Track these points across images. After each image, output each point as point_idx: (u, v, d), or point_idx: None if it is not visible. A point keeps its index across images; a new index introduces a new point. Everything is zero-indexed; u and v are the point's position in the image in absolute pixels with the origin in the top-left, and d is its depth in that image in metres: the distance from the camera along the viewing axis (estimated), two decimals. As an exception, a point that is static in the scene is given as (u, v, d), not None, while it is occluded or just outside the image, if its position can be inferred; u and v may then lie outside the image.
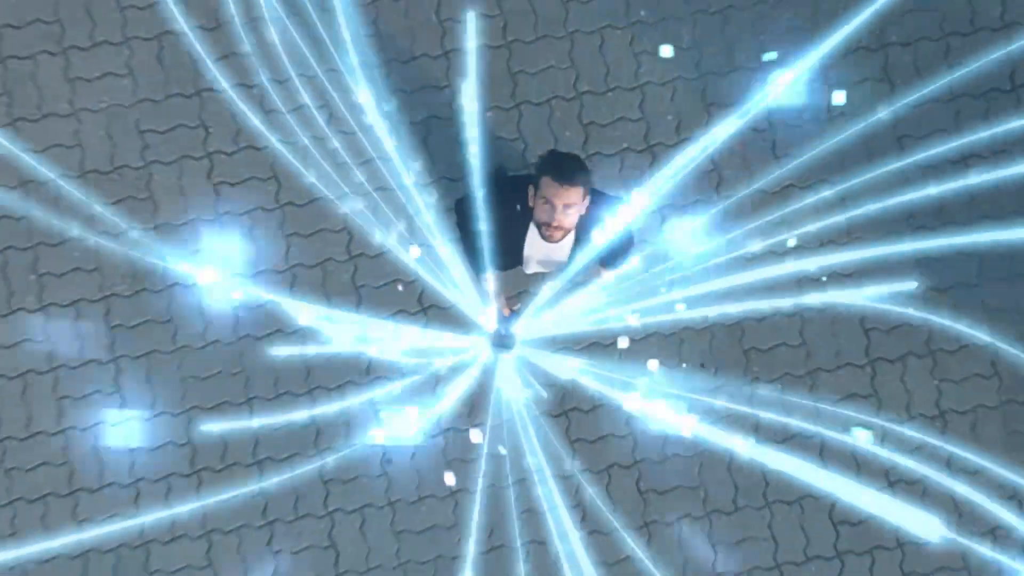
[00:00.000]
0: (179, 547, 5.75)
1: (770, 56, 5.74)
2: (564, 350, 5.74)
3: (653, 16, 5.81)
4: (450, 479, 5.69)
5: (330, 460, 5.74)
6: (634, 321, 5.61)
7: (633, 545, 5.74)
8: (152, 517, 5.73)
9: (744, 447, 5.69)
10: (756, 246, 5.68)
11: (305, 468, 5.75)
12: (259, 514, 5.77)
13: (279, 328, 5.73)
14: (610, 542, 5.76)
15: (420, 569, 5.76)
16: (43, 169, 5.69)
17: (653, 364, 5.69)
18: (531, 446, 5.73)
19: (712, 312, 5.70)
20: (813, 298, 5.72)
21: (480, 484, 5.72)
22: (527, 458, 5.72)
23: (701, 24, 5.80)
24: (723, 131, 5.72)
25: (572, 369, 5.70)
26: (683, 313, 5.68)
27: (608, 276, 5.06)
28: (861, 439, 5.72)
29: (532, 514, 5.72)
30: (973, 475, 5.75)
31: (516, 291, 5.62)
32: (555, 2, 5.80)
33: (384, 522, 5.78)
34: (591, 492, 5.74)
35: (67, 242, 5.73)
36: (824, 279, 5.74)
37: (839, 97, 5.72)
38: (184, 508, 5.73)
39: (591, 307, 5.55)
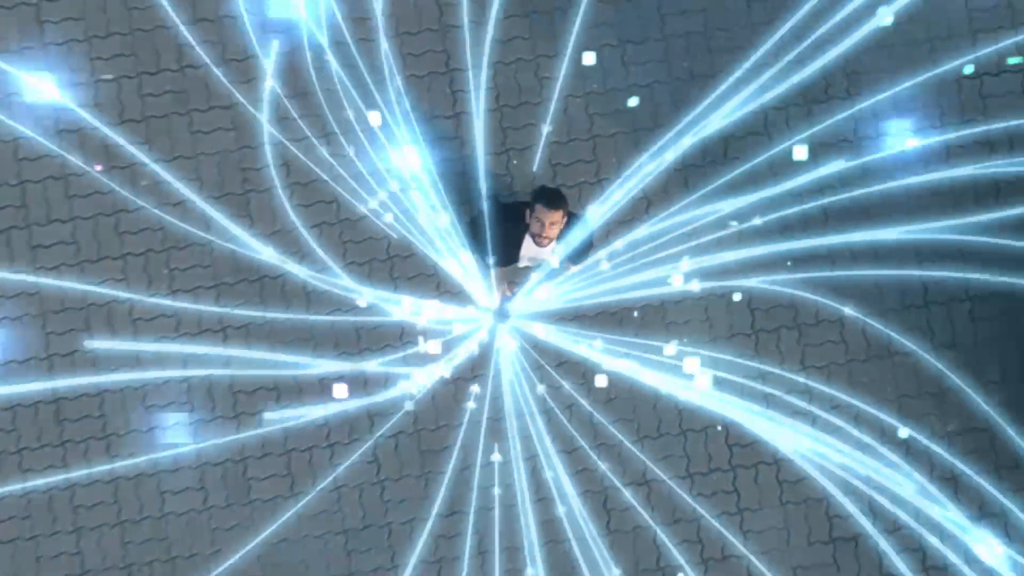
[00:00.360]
0: (268, 461, 8.16)
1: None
2: (552, 321, 8.21)
3: (602, 88, 8.30)
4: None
5: (376, 400, 8.17)
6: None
7: (595, 458, 8.20)
8: (248, 434, 8.14)
9: (663, 385, 8.15)
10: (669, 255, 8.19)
11: (356, 404, 8.17)
12: (323, 437, 8.19)
13: (340, 306, 8.17)
14: (578, 456, 8.21)
15: (438, 477, 8.19)
16: (185, 194, 8.11)
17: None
18: (520, 388, 8.17)
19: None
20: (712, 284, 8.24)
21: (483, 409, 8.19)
22: (515, 394, 8.17)
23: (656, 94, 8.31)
24: (652, 167, 8.21)
25: (552, 333, 8.17)
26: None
27: (574, 269, 7.57)
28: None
29: (500, 424, 8.18)
30: (832, 409, 8.26)
31: (511, 279, 8.06)
32: (532, 77, 8.27)
33: (414, 444, 8.21)
34: (557, 413, 8.21)
35: (191, 246, 8.14)
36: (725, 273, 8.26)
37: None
38: (272, 428, 8.15)
39: (565, 290, 8.03)
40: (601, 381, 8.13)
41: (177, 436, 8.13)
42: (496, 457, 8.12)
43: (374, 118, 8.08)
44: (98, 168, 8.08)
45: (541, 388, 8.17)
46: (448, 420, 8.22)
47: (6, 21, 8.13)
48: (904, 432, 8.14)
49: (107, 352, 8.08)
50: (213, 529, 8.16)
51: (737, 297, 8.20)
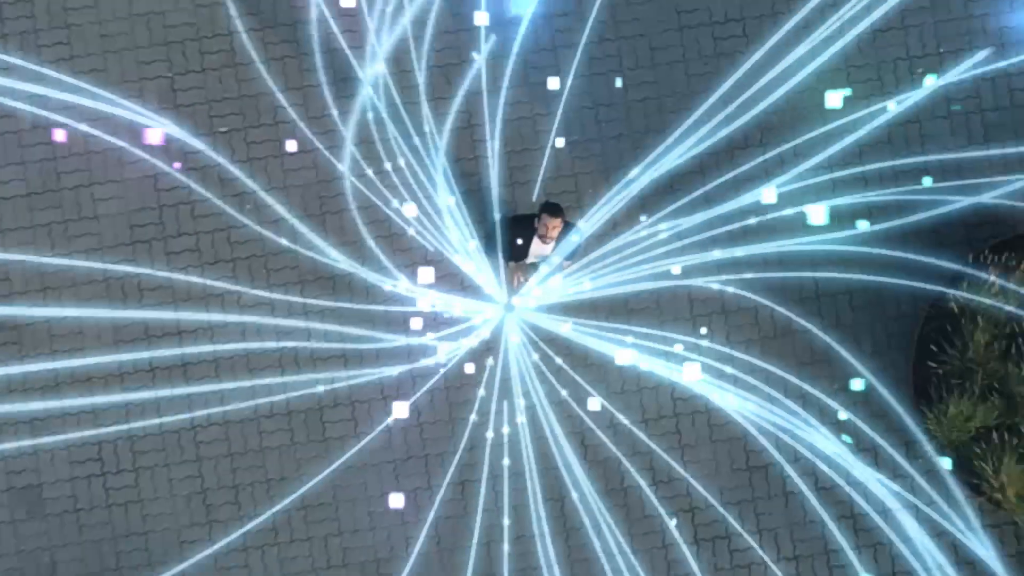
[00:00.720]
0: (339, 410, 11.19)
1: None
2: (548, 310, 11.28)
3: (581, 138, 11.42)
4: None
5: (417, 366, 11.22)
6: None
7: (575, 406, 11.25)
8: (324, 388, 11.20)
9: (633, 359, 11.21)
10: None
11: (401, 369, 11.22)
12: (379, 392, 11.22)
13: (392, 298, 11.23)
14: (564, 406, 11.26)
15: (461, 422, 11.22)
16: (280, 208, 11.20)
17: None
18: (522, 357, 11.23)
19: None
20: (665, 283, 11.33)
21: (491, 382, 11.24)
22: (519, 362, 11.22)
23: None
24: (619, 198, 11.31)
25: (554, 321, 11.24)
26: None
27: (569, 265, 10.68)
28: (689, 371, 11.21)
29: (508, 383, 11.24)
30: (749, 371, 11.32)
31: (521, 272, 11.11)
32: (531, 131, 11.38)
33: (444, 398, 11.24)
34: (548, 375, 11.26)
35: (282, 253, 11.21)
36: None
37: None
38: (339, 385, 11.21)
39: (561, 286, 11.12)
40: (585, 353, 11.21)
41: (272, 392, 11.17)
42: (520, 404, 11.19)
43: (401, 163, 11.21)
44: (236, 199, 11.18)
45: (536, 356, 11.25)
46: (470, 381, 11.27)
47: (149, 88, 11.22)
48: (802, 387, 11.22)
49: (223, 326, 11.14)
50: (298, 459, 11.19)
51: (682, 291, 11.31)
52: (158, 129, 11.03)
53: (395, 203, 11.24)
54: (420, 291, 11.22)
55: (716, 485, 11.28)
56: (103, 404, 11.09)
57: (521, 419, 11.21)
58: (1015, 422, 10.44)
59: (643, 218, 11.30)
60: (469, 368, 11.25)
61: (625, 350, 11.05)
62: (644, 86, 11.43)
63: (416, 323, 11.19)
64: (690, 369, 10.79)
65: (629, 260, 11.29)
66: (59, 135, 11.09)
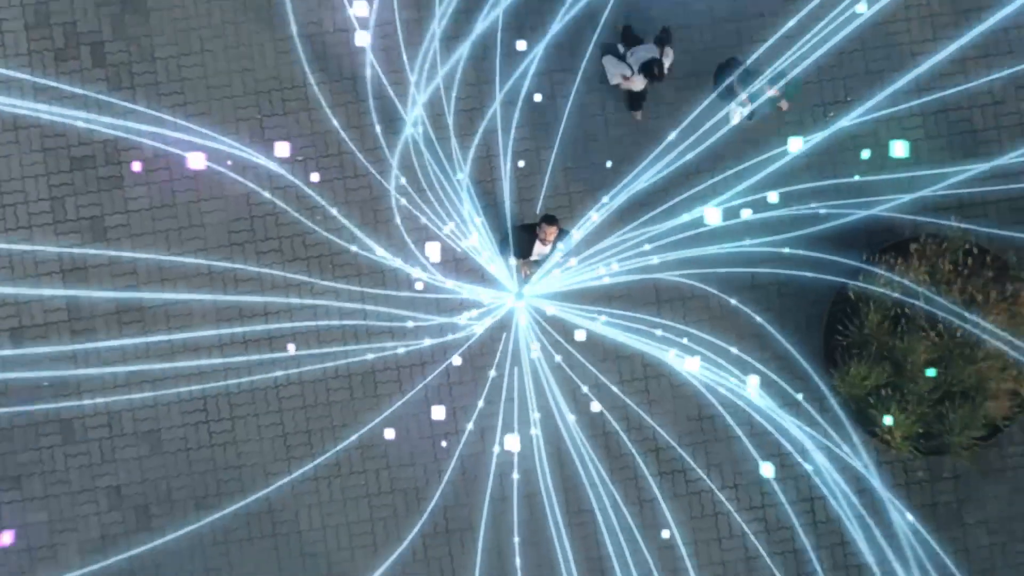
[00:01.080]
0: (388, 373, 14.66)
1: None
2: (551, 297, 14.74)
3: (574, 165, 14.88)
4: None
5: (446, 339, 14.67)
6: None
7: (569, 371, 14.69)
8: (376, 356, 14.65)
9: (617, 336, 14.64)
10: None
11: (432, 342, 14.67)
12: (419, 358, 14.67)
13: (431, 289, 14.70)
14: (561, 372, 14.71)
15: (481, 382, 14.67)
16: (343, 220, 14.66)
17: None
18: (529, 338, 14.68)
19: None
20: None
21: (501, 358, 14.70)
22: (527, 339, 14.68)
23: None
24: (596, 216, 14.76)
25: (553, 305, 14.70)
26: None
27: (561, 248, 14.15)
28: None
29: (518, 356, 14.70)
30: (700, 343, 14.76)
31: (528, 267, 14.54)
32: (535, 160, 14.84)
33: (469, 363, 14.69)
34: (551, 350, 14.71)
35: (344, 252, 14.68)
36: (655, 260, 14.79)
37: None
38: (386, 354, 14.67)
39: (560, 279, 14.57)
40: (580, 335, 14.60)
41: (336, 359, 14.64)
42: (535, 352, 14.61)
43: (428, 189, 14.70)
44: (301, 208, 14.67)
45: (538, 331, 14.73)
46: (490, 351, 14.72)
47: (241, 128, 14.71)
48: (741, 356, 14.67)
49: (299, 308, 14.61)
50: (355, 410, 14.66)
51: (649, 284, 14.77)
52: (252, 156, 14.49)
53: (430, 214, 14.70)
54: (450, 282, 14.69)
55: (675, 431, 14.70)
56: (207, 367, 14.58)
57: (529, 383, 14.68)
58: (899, 381, 13.86)
59: (619, 229, 14.79)
60: (487, 340, 14.70)
61: (618, 331, 14.54)
62: (622, 125, 14.90)
63: (445, 306, 14.67)
64: (691, 362, 14.08)
65: (609, 258, 14.74)
66: (173, 162, 14.57)
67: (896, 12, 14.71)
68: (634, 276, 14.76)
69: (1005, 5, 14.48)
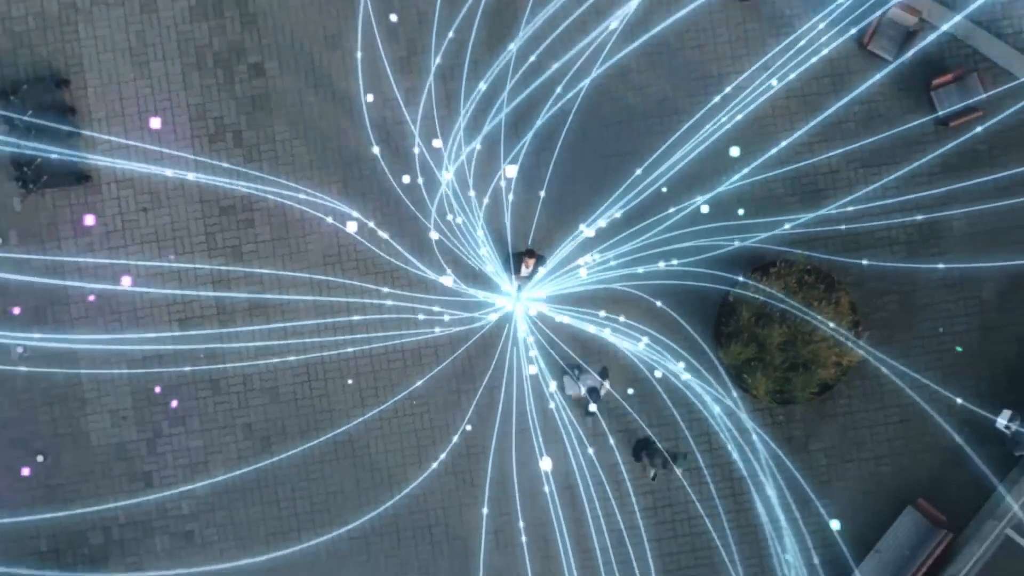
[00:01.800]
0: (415, 355, 22.00)
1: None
2: (543, 300, 21.98)
3: (554, 201, 22.14)
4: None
5: (459, 329, 21.96)
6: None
7: (563, 364, 21.95)
8: (404, 340, 21.97)
9: (591, 328, 21.84)
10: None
11: (447, 332, 21.95)
12: (435, 345, 21.99)
13: (452, 291, 21.98)
14: (552, 358, 21.99)
15: (484, 369, 21.94)
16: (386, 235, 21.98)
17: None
18: (526, 329, 21.95)
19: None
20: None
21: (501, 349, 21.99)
22: (524, 330, 21.96)
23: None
24: (571, 242, 21.98)
25: (541, 306, 21.96)
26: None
27: (541, 272, 21.45)
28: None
29: (516, 346, 21.99)
30: (641, 334, 21.97)
31: (520, 279, 21.74)
32: (527, 208, 22.10)
33: (480, 350, 21.95)
34: (542, 341, 21.96)
35: (379, 258, 21.99)
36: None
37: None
38: (410, 340, 22.00)
39: (549, 287, 21.83)
40: (563, 318, 21.91)
41: (390, 340, 21.97)
42: (522, 332, 21.91)
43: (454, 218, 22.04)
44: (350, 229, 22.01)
45: (531, 324, 22.02)
46: (494, 341, 21.90)
47: (333, 188, 22.05)
48: (668, 342, 21.89)
49: (369, 305, 21.94)
50: (407, 375, 21.95)
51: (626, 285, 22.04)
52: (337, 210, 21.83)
53: (458, 244, 21.94)
54: (467, 287, 21.99)
55: (627, 390, 21.96)
56: (309, 345, 21.91)
57: (528, 365, 21.88)
58: (762, 356, 21.01)
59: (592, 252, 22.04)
60: (491, 334, 21.92)
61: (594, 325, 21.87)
62: (586, 190, 22.18)
63: (468, 306, 21.96)
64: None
65: (580, 272, 21.97)
66: (287, 210, 21.91)
67: (765, 110, 21.92)
68: (601, 286, 21.81)
69: (838, 101, 21.67)
